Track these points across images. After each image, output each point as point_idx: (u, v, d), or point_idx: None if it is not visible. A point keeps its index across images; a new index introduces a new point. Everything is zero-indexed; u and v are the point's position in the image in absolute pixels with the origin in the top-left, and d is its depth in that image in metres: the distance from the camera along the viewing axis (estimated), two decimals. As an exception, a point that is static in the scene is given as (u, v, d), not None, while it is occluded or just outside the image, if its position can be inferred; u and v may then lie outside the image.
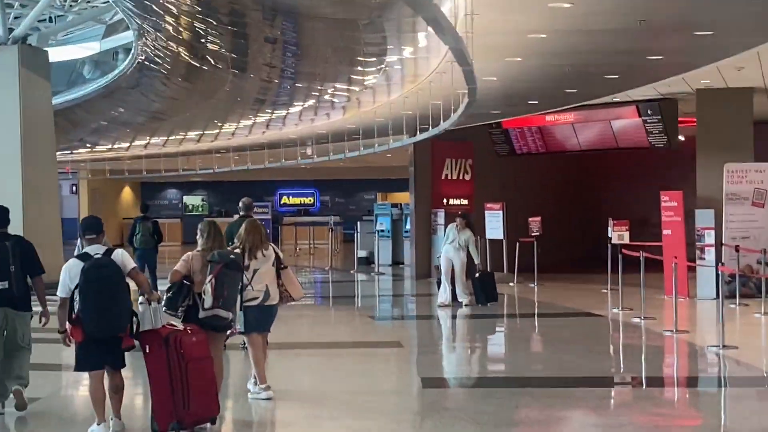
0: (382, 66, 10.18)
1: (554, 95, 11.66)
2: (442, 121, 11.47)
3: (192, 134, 21.59)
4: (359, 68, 10.87)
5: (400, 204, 20.42)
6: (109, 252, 4.36)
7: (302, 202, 33.66)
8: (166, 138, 22.03)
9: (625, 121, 13.56)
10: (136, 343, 4.35)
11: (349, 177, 29.46)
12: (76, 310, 4.21)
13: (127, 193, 33.71)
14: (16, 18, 15.38)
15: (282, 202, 34.10)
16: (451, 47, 5.95)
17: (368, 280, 17.35)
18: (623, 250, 10.79)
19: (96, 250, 4.35)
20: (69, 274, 4.25)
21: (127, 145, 23.54)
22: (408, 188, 16.60)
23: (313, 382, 6.51)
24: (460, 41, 5.64)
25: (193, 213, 33.56)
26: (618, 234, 11.53)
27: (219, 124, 19.50)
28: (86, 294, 4.13)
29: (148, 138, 22.23)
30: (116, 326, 4.22)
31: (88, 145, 23.57)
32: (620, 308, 10.12)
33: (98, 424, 4.27)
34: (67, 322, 4.26)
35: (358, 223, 20.32)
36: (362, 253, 18.83)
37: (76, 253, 4.74)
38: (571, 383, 6.23)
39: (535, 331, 10.48)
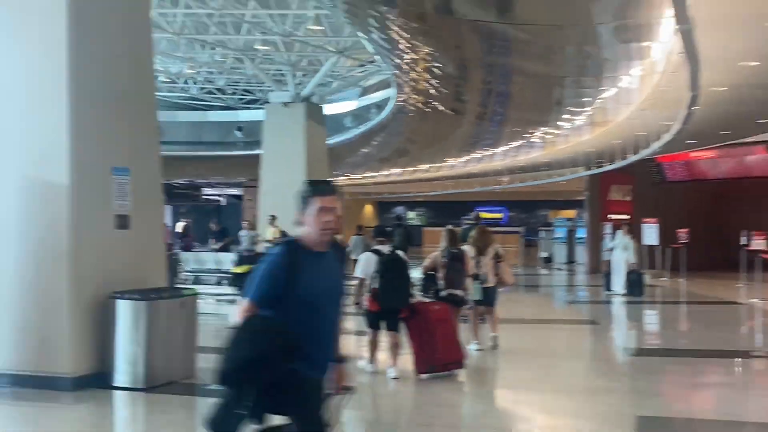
0: (580, 116, 12.13)
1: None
2: (619, 158, 13.65)
3: (423, 166, 26.65)
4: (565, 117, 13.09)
5: (571, 217, 26.29)
6: (394, 250, 6.29)
7: (493, 217, 39.09)
8: (402, 169, 27.68)
9: (757, 156, 17.23)
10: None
11: (529, 198, 36.33)
12: (372, 289, 5.75)
13: (367, 208, 41.34)
14: (298, 84, 19.58)
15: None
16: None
17: (551, 274, 21.01)
18: (763, 255, 13.18)
19: (385, 248, 5.99)
20: (367, 262, 5.88)
21: (373, 173, 29.16)
22: (573, 207, 19.91)
23: (536, 345, 8.42)
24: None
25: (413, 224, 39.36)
26: (757, 242, 13.62)
27: (443, 159, 24.20)
28: (385, 277, 5.65)
29: (388, 169, 27.99)
30: (402, 302, 5.83)
31: (346, 174, 29.33)
32: (760, 299, 11.96)
33: (369, 363, 6.10)
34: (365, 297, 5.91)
35: (540, 232, 27.05)
36: (544, 254, 24.33)
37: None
38: (732, 355, 7.78)
39: (693, 314, 12.36)
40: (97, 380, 5.39)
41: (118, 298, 5.41)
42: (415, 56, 11.72)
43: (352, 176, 30.54)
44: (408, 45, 11.02)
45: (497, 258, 7.40)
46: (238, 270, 11.11)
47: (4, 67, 5.68)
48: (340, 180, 27.79)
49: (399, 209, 40.75)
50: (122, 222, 5.76)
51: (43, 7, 5.63)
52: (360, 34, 12.79)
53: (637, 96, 10.10)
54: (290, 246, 2.21)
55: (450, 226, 7.43)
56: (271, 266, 2.17)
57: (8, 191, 5.54)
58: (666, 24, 6.73)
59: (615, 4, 7.24)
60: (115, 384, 5.38)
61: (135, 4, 6.46)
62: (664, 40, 7.31)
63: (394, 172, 29.59)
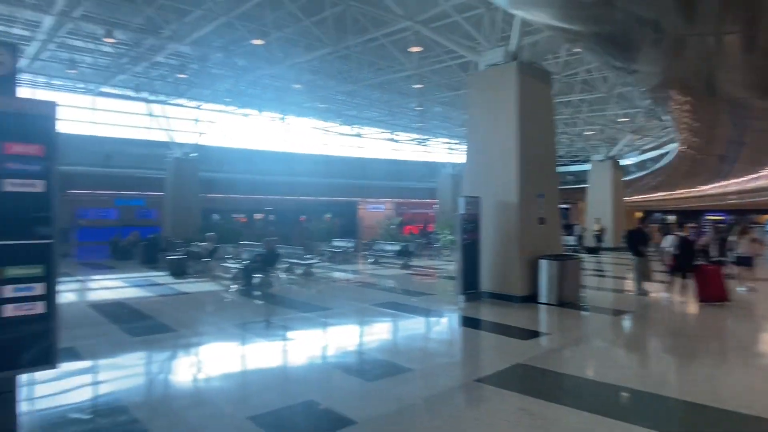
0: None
1: None
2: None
3: (678, 190, 30.29)
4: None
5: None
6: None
7: (718, 219, 46.50)
8: (664, 192, 31.60)
9: None
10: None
11: (739, 207, 49.05)
12: (671, 255, 10.74)
13: (638, 214, 51.74)
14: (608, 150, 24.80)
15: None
16: None
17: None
18: None
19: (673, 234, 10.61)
20: (669, 241, 10.81)
21: (644, 195, 34.26)
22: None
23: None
24: None
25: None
26: None
27: (692, 186, 28.76)
28: (679, 249, 10.55)
29: (655, 192, 32.25)
30: (688, 263, 10.52)
31: (628, 196, 35.75)
32: None
33: (667, 294, 10.61)
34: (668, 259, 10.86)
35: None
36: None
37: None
38: None
39: None
40: (531, 299, 10.28)
41: (541, 258, 10.26)
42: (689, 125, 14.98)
43: (632, 197, 39.83)
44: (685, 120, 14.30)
45: (752, 239, 11.59)
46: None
47: (492, 145, 11.04)
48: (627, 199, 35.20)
49: (657, 215, 55.78)
50: (541, 221, 10.70)
51: (508, 112, 10.78)
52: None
53: None
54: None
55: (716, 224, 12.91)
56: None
57: (490, 205, 10.85)
58: None
59: None
60: (540, 301, 10.20)
61: (547, 105, 11.42)
62: None
63: (659, 195, 41.16)
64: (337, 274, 15.68)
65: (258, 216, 32.45)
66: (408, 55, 15.81)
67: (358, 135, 31.51)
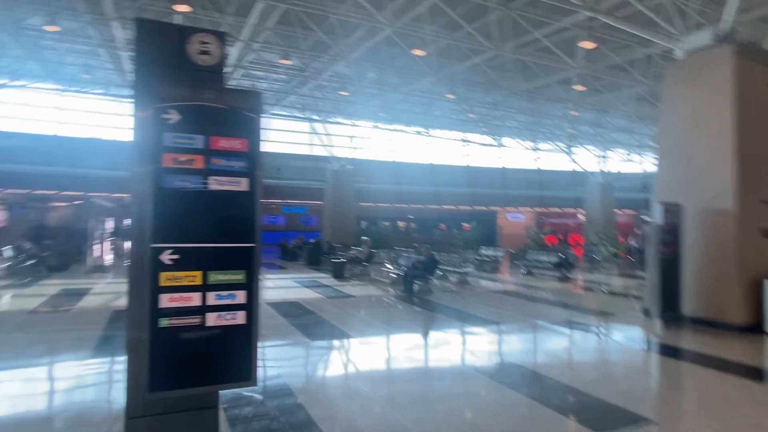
0: None
1: None
2: None
3: None
4: None
5: None
6: None
7: None
8: None
9: None
10: None
11: None
12: None
13: None
14: None
15: None
16: None
17: None
18: None
19: None
20: None
21: None
22: None
23: None
24: None
25: None
26: None
27: None
28: None
29: None
30: None
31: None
32: None
33: None
34: None
35: None
36: None
37: None
38: None
39: None
40: (754, 328, 7.73)
41: (766, 278, 7.81)
42: None
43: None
44: None
45: None
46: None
47: (697, 144, 8.54)
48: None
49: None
50: (766, 233, 8.16)
51: (720, 104, 8.30)
52: None
53: None
54: None
55: None
56: None
57: (694, 214, 8.39)
58: None
59: None
60: (767, 331, 7.69)
61: None
62: None
63: None
64: (491, 284, 14.29)
65: (401, 223, 32.28)
66: (573, 55, 14.00)
67: (500, 145, 29.77)
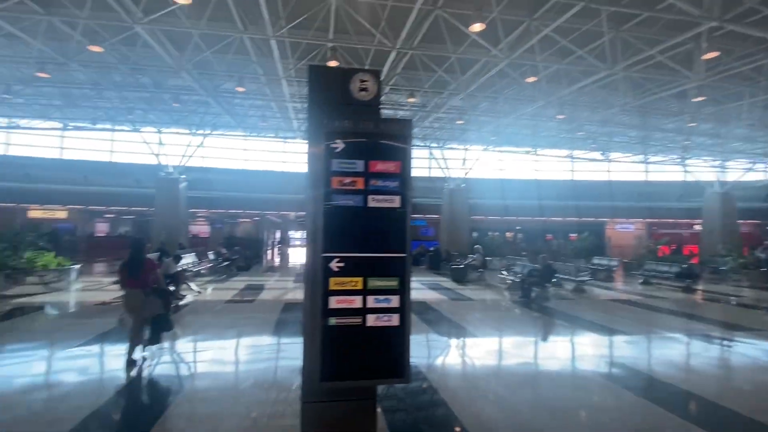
0: None
1: None
2: None
3: None
4: None
5: None
6: None
7: None
8: None
9: None
10: None
11: None
12: None
13: None
14: None
15: None
16: None
17: None
18: None
19: None
20: None
21: None
22: None
23: None
24: None
25: None
26: None
27: None
28: None
29: None
30: None
31: None
32: None
33: None
34: None
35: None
36: None
37: None
38: None
39: None
40: None
41: None
42: None
43: None
44: None
45: None
46: None
47: None
48: None
49: None
50: None
51: None
52: None
53: None
54: None
55: None
56: None
57: None
58: None
59: None
60: None
61: None
62: None
63: None
64: (608, 293, 12.56)
65: (509, 234, 30.53)
66: (690, 67, 11.96)
67: (607, 160, 26.70)
